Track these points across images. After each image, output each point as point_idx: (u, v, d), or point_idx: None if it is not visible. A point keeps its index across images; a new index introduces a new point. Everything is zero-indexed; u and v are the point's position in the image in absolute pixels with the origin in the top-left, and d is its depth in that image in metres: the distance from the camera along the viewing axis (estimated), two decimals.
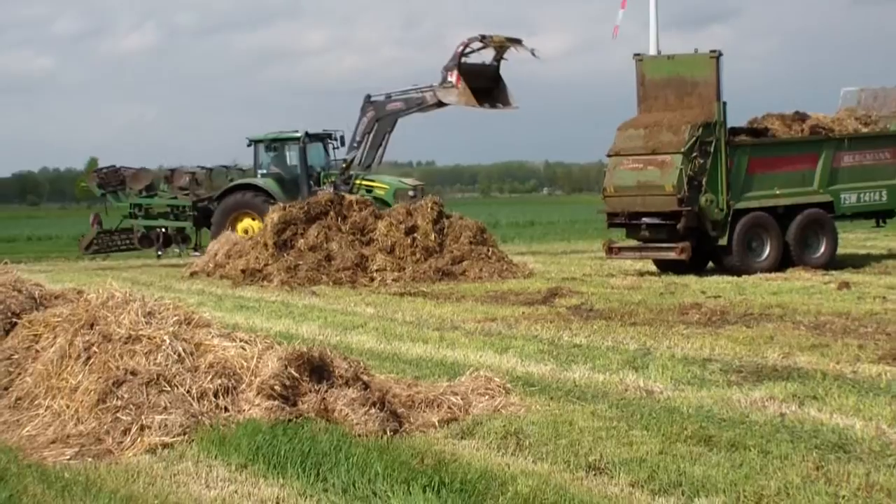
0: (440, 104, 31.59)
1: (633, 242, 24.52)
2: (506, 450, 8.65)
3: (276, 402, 9.30)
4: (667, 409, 9.85)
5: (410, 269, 24.75)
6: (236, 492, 7.72)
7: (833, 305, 17.02)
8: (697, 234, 23.22)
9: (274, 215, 26.33)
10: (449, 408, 9.89)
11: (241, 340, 10.23)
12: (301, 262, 24.84)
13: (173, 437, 8.98)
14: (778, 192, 23.75)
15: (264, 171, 33.36)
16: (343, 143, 33.15)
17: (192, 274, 27.64)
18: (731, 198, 23.10)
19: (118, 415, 9.28)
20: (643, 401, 10.28)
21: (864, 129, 24.93)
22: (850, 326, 14.74)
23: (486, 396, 10.28)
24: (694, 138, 22.69)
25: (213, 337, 10.27)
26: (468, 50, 31.21)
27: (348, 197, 27.38)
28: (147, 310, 10.56)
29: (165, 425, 9.09)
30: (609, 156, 24.03)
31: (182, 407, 9.29)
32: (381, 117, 32.23)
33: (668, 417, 9.40)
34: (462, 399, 10.08)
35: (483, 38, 31.23)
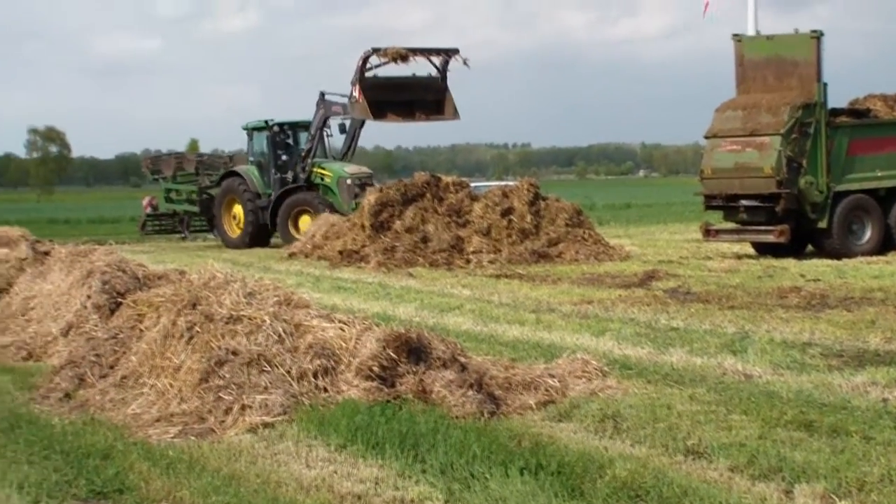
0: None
1: (730, 225, 24.27)
2: (603, 433, 8.61)
3: (374, 383, 9.36)
4: (766, 393, 9.74)
5: (506, 251, 24.72)
6: (335, 472, 7.77)
7: None
8: (796, 216, 22.90)
9: (371, 197, 26.48)
10: (546, 390, 9.86)
11: (339, 321, 10.29)
12: (398, 244, 24.93)
13: (274, 416, 9.07)
14: (880, 174, 23.35)
15: (251, 159, 34.98)
16: (343, 132, 34.14)
17: (291, 255, 27.87)
18: (832, 180, 22.75)
19: (220, 394, 9.39)
20: (742, 385, 10.17)
21: None
22: None
23: (583, 379, 10.23)
24: (793, 119, 22.37)
25: (312, 318, 10.35)
26: (369, 65, 31.59)
27: (445, 179, 27.44)
28: (248, 290, 10.67)
29: (266, 405, 9.18)
30: (707, 137, 23.79)
31: (282, 387, 9.38)
32: (328, 116, 33.22)
33: (767, 402, 9.29)
34: (559, 381, 10.05)
35: (376, 50, 31.55)
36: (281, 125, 34.66)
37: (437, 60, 32.84)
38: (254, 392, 9.31)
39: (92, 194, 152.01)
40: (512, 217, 25.80)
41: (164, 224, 39.34)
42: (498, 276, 21.30)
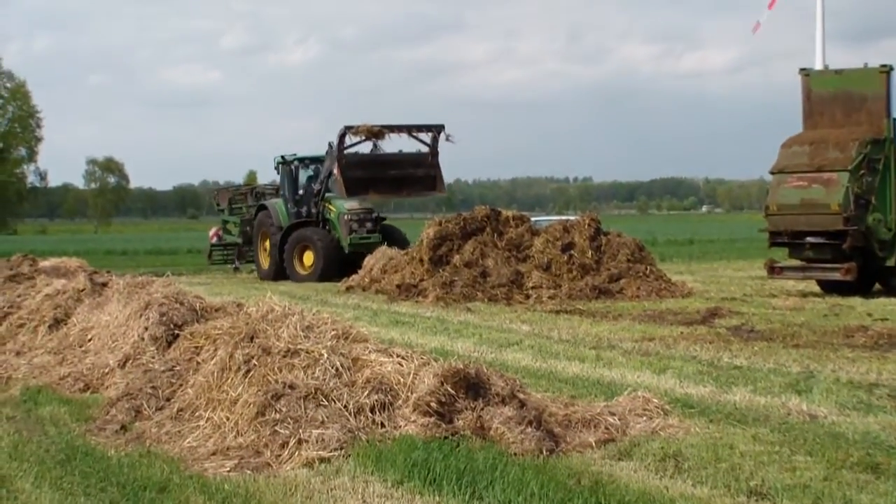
0: None
1: (796, 262, 24.05)
2: (664, 472, 8.58)
3: (432, 419, 9.37)
4: (831, 434, 9.65)
5: (567, 287, 24.67)
6: None
7: None
8: (864, 254, 22.68)
9: (430, 230, 26.56)
10: (606, 428, 9.84)
11: (397, 356, 10.33)
12: (456, 278, 24.94)
13: (330, 451, 9.11)
14: None
15: (282, 193, 35.38)
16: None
17: (348, 288, 27.97)
18: None
19: (277, 428, 9.45)
20: (806, 425, 10.09)
21: None
22: None
23: (644, 417, 10.20)
24: (862, 155, 22.21)
25: (370, 352, 10.40)
26: (347, 143, 32.20)
27: (505, 212, 27.52)
28: (305, 324, 10.74)
29: (323, 440, 9.22)
30: (772, 173, 23.63)
31: (339, 422, 9.42)
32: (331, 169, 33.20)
33: (832, 443, 9.22)
34: (619, 419, 10.03)
35: (349, 128, 32.09)
36: (301, 160, 35.03)
37: (424, 137, 33.58)
38: (310, 426, 9.36)
39: (149, 225, 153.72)
40: (572, 252, 25.77)
41: (228, 254, 39.98)
42: (558, 312, 21.26)
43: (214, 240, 40.48)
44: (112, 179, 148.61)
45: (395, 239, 32.47)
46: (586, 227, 26.41)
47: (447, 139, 33.29)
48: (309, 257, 32.76)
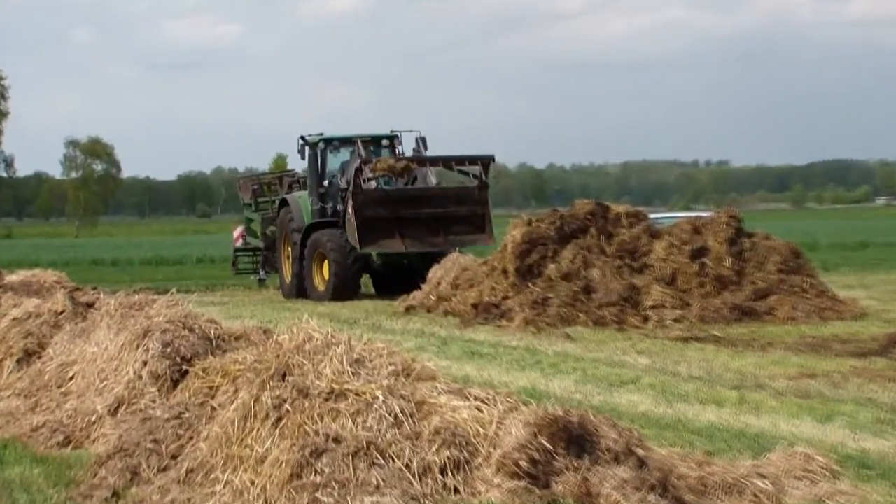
0: None
1: None
2: None
3: (521, 483, 9.35)
4: None
5: (698, 306, 24.58)
6: None
7: None
8: None
9: (516, 232, 26.52)
10: (755, 495, 9.78)
11: (475, 399, 10.33)
12: (551, 295, 24.92)
13: None
14: None
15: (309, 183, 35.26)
16: (424, 145, 34.29)
17: (408, 309, 28.03)
18: None
19: (317, 494, 9.45)
20: None
21: None
22: None
23: (805, 481, 10.13)
24: None
25: (439, 393, 10.40)
26: (364, 177, 32.22)
27: (615, 208, 27.43)
28: (354, 357, 10.75)
29: None
30: None
31: (399, 486, 9.41)
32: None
33: None
34: (772, 484, 9.96)
35: (365, 162, 32.24)
36: (328, 141, 34.97)
37: (471, 169, 33.59)
38: (362, 492, 9.36)
39: (147, 227, 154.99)
40: (705, 260, 25.67)
41: (257, 261, 39.69)
42: (686, 340, 21.19)
43: (239, 242, 40.40)
44: (98, 167, 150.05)
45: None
46: (723, 226, 26.32)
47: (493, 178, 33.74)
48: (327, 269, 32.84)
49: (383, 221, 32.22)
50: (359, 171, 32.09)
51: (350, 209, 31.93)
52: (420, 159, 33.26)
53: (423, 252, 32.48)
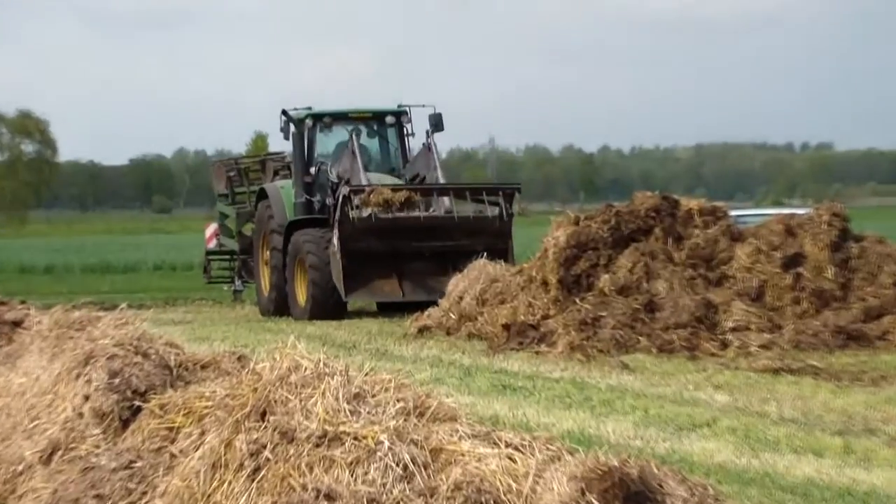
0: None
1: None
2: None
3: None
4: None
5: (792, 328, 24.60)
6: None
7: None
8: None
9: (559, 234, 26.52)
10: None
11: (507, 445, 10.31)
12: (604, 314, 24.95)
13: None
14: None
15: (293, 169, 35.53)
16: (435, 126, 34.46)
17: (422, 330, 28.07)
18: None
19: None
20: None
21: None
22: None
23: None
24: None
25: (460, 438, 10.39)
26: (353, 204, 31.69)
27: (685, 202, 27.42)
28: (353, 391, 10.75)
29: None
30: None
31: None
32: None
33: None
34: None
35: (355, 192, 31.67)
36: (318, 117, 35.03)
37: (491, 200, 33.34)
38: None
39: (91, 224, 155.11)
40: (801, 270, 25.70)
41: (233, 267, 39.84)
42: (776, 371, 21.19)
43: (212, 243, 40.42)
44: (29, 148, 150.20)
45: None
46: (824, 226, 26.33)
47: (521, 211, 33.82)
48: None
49: (376, 259, 32.21)
50: (347, 199, 31.73)
51: (335, 241, 31.76)
52: (426, 189, 33.24)
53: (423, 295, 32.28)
